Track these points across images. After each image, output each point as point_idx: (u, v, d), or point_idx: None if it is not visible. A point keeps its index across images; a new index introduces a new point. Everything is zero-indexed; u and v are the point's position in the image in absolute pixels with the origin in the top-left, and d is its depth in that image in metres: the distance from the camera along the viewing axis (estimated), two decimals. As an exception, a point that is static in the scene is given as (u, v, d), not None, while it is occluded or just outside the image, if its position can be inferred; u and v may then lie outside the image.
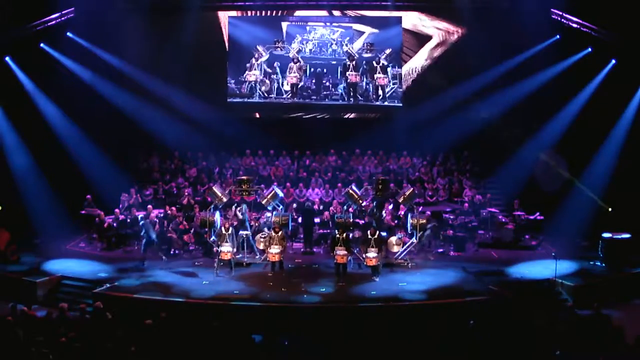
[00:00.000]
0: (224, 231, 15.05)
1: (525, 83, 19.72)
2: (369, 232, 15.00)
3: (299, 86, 21.02)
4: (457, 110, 20.62)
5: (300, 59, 20.81)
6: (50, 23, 19.00)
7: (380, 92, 21.05)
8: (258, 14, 21.24)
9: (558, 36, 19.59)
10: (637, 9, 17.07)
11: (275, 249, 14.97)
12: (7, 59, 18.62)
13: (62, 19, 19.24)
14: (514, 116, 19.78)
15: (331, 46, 21.17)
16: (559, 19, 19.44)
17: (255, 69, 20.80)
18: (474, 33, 20.47)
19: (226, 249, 14.78)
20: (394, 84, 21.04)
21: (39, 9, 18.58)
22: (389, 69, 20.93)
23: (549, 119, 19.46)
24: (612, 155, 18.24)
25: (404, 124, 20.86)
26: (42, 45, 19.11)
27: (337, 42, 21.10)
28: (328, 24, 21.18)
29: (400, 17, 21.08)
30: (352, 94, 21.06)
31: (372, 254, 14.55)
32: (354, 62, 20.78)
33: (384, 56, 20.90)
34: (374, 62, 20.90)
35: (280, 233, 15.20)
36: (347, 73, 20.80)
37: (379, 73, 20.86)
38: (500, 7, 20.35)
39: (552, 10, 19.50)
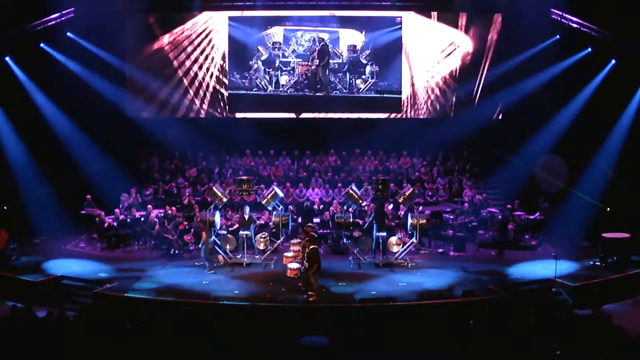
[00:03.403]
0: None
1: (525, 83, 19.71)
2: (307, 246, 13.31)
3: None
4: (458, 110, 20.63)
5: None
6: (50, 23, 18.95)
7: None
8: (255, 15, 21.21)
9: (558, 36, 19.58)
10: (637, 9, 17.08)
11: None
12: (7, 59, 18.61)
13: (62, 19, 19.19)
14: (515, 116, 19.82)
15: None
16: (559, 19, 19.42)
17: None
18: (474, 33, 20.53)
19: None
20: (371, 78, 20.91)
21: (39, 9, 18.55)
22: (367, 67, 20.85)
23: (548, 119, 19.44)
24: (612, 155, 18.23)
25: (404, 123, 20.88)
26: (42, 45, 19.09)
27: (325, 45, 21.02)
28: (316, 27, 21.10)
29: (399, 17, 21.01)
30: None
31: (294, 264, 13.51)
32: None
33: (364, 56, 20.85)
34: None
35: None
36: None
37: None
38: (499, 7, 20.36)
39: (552, 10, 19.48)
